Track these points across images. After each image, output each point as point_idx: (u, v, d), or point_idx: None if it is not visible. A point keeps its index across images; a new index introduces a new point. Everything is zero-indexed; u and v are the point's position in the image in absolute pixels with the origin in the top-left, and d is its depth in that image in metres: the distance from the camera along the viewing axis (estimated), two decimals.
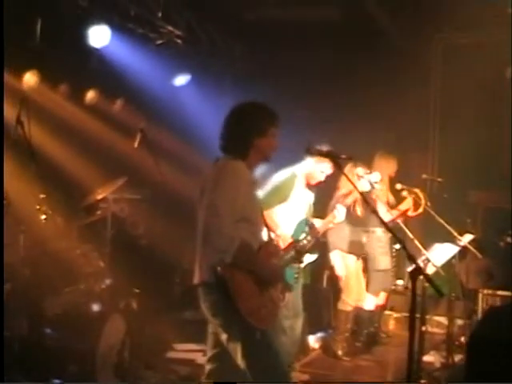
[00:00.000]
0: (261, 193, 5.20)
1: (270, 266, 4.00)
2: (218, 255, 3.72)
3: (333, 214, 5.71)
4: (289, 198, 5.64)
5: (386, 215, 6.66)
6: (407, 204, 6.91)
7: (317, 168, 5.70)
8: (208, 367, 4.12)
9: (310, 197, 5.86)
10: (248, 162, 4.01)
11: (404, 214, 6.96)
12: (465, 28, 8.61)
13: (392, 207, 7.01)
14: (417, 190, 6.88)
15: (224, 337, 3.87)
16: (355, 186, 4.51)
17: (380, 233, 7.10)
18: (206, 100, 8.76)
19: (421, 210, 6.82)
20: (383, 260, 7.17)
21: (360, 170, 6.34)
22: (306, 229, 5.57)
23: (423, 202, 6.74)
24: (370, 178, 6.21)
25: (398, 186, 6.88)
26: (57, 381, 4.90)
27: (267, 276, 3.92)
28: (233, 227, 3.76)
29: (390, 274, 7.35)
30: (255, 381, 3.80)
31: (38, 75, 6.67)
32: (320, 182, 5.82)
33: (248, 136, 3.99)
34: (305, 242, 5.41)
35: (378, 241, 7.13)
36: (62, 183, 6.52)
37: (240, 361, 3.81)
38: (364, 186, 6.13)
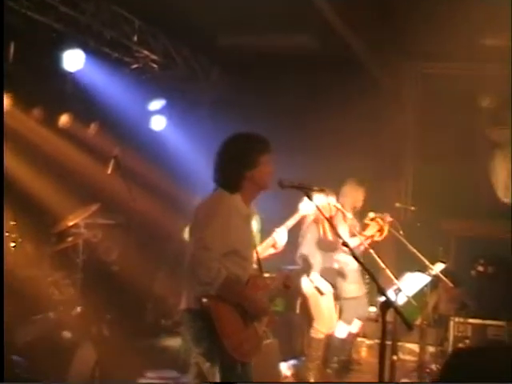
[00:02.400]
0: None
1: (256, 299, 3.97)
2: (203, 287, 3.71)
3: (272, 238, 5.63)
4: None
5: (353, 240, 6.64)
6: (372, 229, 6.92)
7: None
8: None
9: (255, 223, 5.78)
10: (244, 194, 3.99)
11: (370, 238, 6.94)
12: (441, 58, 8.72)
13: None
14: (390, 219, 6.91)
15: (206, 366, 3.84)
16: (325, 216, 4.50)
17: (351, 260, 7.12)
18: (182, 126, 8.76)
19: (385, 233, 6.87)
20: (354, 287, 7.16)
21: (332, 199, 6.36)
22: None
23: (387, 228, 6.81)
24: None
25: (371, 215, 6.91)
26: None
27: (253, 310, 3.90)
28: (220, 260, 3.75)
29: (363, 301, 7.32)
30: None
31: (10, 98, 6.59)
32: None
33: (238, 170, 3.96)
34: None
35: (349, 267, 7.14)
36: (33, 209, 6.45)
37: None
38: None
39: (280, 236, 5.53)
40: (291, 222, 5.80)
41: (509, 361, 2.54)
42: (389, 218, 6.92)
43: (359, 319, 7.30)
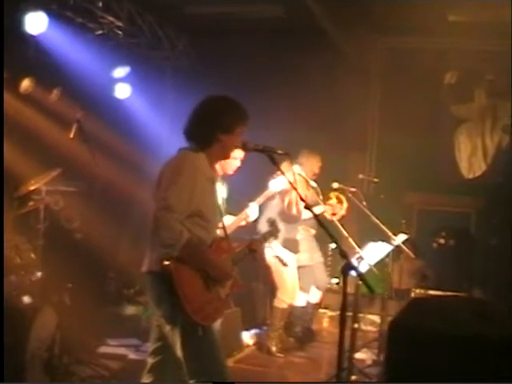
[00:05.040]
0: None
1: (218, 262, 3.95)
2: (165, 249, 3.68)
3: (245, 212, 5.75)
4: None
5: (317, 208, 6.69)
6: (333, 200, 6.97)
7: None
8: (150, 361, 4.05)
9: (222, 191, 5.79)
10: (210, 155, 3.96)
11: (332, 208, 6.97)
12: (407, 33, 8.74)
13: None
14: (353, 189, 6.95)
15: (167, 328, 3.82)
16: (291, 183, 4.51)
17: (305, 229, 7.17)
18: (146, 93, 8.67)
19: (343, 212, 6.91)
20: (307, 256, 7.22)
21: (296, 168, 6.43)
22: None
23: (346, 204, 6.86)
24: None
25: (335, 185, 6.95)
26: None
27: (215, 273, 3.87)
28: (184, 222, 3.72)
29: (318, 270, 7.36)
30: (190, 375, 3.77)
31: None
32: (237, 169, 5.71)
33: (214, 129, 3.93)
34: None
35: (304, 236, 7.19)
36: None
37: (179, 353, 3.78)
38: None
39: (252, 211, 5.68)
40: (262, 199, 5.91)
41: (466, 309, 2.59)
42: (352, 189, 6.97)
43: (318, 289, 7.36)
